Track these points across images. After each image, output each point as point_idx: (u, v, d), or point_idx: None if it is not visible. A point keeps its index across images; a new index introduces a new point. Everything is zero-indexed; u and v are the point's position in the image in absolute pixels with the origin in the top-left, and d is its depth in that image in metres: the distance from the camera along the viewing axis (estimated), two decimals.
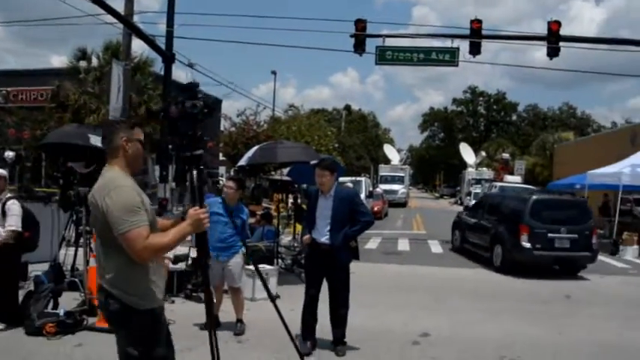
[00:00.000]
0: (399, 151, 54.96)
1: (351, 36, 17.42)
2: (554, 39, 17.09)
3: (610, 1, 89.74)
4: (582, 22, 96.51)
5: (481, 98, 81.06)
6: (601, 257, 16.33)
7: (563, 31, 16.95)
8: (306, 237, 6.02)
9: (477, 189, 30.41)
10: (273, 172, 16.68)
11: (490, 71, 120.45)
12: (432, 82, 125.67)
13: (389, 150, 47.62)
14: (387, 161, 45.79)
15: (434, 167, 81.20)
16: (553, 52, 17.17)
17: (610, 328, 7.59)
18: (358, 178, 23.95)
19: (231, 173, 33.50)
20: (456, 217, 16.46)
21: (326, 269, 5.85)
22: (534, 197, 12.82)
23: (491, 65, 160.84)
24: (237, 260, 6.48)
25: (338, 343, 5.90)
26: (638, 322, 8.08)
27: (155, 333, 3.09)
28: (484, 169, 40.70)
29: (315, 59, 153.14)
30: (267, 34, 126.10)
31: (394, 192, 38.03)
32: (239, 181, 6.76)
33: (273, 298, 4.34)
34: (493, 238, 13.06)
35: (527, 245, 11.81)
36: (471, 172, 38.97)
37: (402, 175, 41.84)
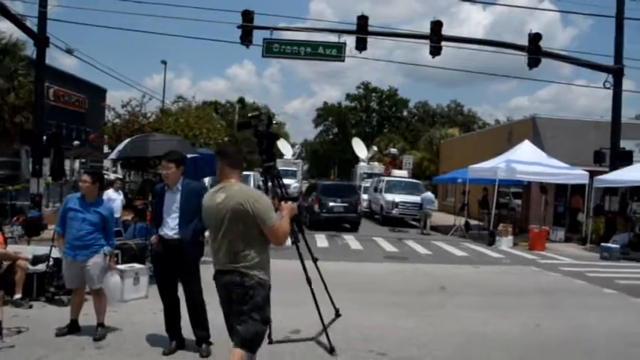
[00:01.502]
0: (293, 145, 55.00)
1: (239, 27, 17.13)
2: (436, 38, 17.67)
3: (495, 7, 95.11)
4: (470, 25, 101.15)
5: (374, 94, 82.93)
6: (478, 248, 17.30)
7: (453, 32, 17.65)
8: (153, 237, 5.81)
9: (368, 183, 30.94)
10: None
11: (385, 68, 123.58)
12: (328, 77, 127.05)
13: (282, 144, 47.48)
14: (281, 155, 45.66)
15: (328, 162, 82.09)
16: (435, 51, 17.76)
17: (479, 318, 7.86)
18: (246, 173, 23.51)
19: (118, 167, 32.17)
20: None
21: (176, 266, 5.62)
22: (321, 183, 23.99)
23: (387, 62, 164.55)
24: (96, 260, 6.04)
25: (201, 343, 5.68)
26: (506, 310, 8.45)
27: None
28: (375, 163, 41.46)
29: (210, 50, 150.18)
30: (159, 21, 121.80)
31: (287, 186, 37.90)
32: (95, 175, 6.31)
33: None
34: (307, 208, 21.11)
35: (318, 210, 20.36)
36: (362, 167, 39.62)
37: (295, 169, 41.84)
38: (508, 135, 25.42)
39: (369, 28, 17.75)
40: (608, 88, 19.24)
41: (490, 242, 18.14)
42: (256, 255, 4.06)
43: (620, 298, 9.99)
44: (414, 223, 24.39)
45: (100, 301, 6.22)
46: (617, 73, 19.10)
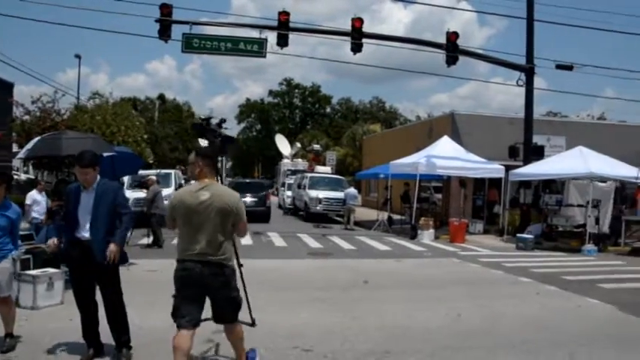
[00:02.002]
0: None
1: (156, 21, 16.63)
2: (357, 35, 17.82)
3: (415, 6, 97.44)
4: (391, 23, 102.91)
5: (297, 90, 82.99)
6: (401, 242, 17.62)
7: (374, 30, 17.87)
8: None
9: (292, 180, 30.93)
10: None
11: (309, 64, 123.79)
12: (251, 73, 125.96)
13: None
14: None
15: (252, 159, 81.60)
16: (357, 48, 17.90)
17: (401, 310, 7.97)
18: (166, 171, 22.85)
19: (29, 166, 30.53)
20: None
21: (93, 269, 5.35)
22: (234, 181, 28.39)
23: (310, 59, 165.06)
24: (4, 266, 5.66)
25: (121, 347, 5.45)
26: (428, 302, 8.62)
27: None
28: (299, 160, 41.53)
29: (129, 44, 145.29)
30: (73, 13, 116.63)
31: None
32: (2, 176, 5.92)
33: None
34: None
35: None
36: (286, 164, 39.55)
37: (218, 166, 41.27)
38: (428, 131, 26.06)
39: (291, 25, 17.67)
40: (521, 86, 20.06)
41: (412, 236, 18.53)
42: (229, 246, 4.74)
43: (534, 286, 10.40)
44: (338, 218, 24.59)
45: (9, 309, 5.84)
46: (528, 71, 19.94)
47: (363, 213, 26.52)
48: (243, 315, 5.16)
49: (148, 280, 9.64)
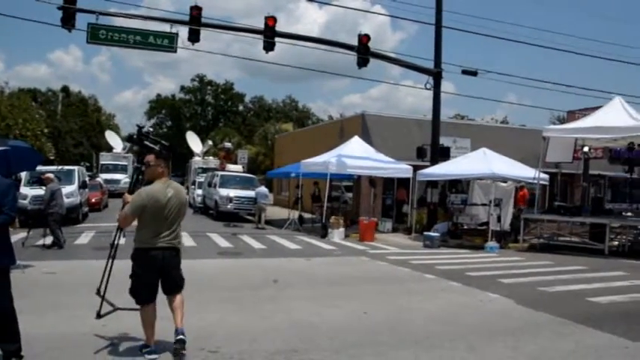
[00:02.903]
0: (124, 138, 52.24)
1: (59, 8, 15.81)
2: (270, 34, 17.73)
3: (330, 7, 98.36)
4: (307, 22, 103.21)
5: (209, 87, 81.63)
6: (311, 240, 17.70)
7: (290, 29, 17.80)
8: None
9: (202, 178, 30.35)
10: None
11: (222, 61, 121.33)
12: (163, 68, 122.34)
13: (111, 137, 44.92)
14: (110, 149, 43.26)
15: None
16: (269, 46, 17.83)
17: (310, 309, 7.99)
18: (68, 168, 21.70)
19: None
20: None
21: None
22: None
23: (224, 56, 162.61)
24: None
25: (10, 357, 5.07)
26: (336, 300, 8.67)
27: None
28: (210, 158, 40.85)
29: (29, 31, 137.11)
30: None
31: (117, 181, 36.19)
32: None
33: None
34: None
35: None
36: (197, 161, 38.77)
37: (125, 163, 39.90)
38: (340, 131, 26.38)
39: (204, 20, 17.34)
40: (429, 89, 20.71)
41: (323, 235, 18.67)
42: (181, 232, 5.83)
43: (439, 282, 10.73)
44: (249, 217, 24.39)
45: None
46: (436, 75, 20.62)
47: (275, 212, 26.47)
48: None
49: (46, 283, 9.14)
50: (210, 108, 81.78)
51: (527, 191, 19.77)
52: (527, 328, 7.31)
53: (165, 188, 5.53)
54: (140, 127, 6.66)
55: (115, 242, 6.18)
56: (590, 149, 19.64)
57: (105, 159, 40.52)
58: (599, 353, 6.33)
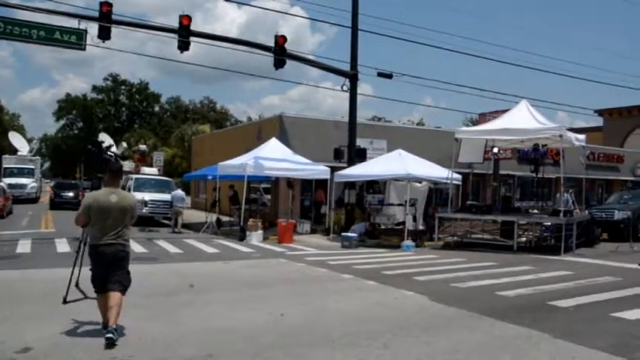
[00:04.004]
0: (30, 140, 49.60)
1: None
2: (185, 33, 17.36)
3: (250, 8, 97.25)
4: (226, 22, 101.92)
5: (123, 87, 79.17)
6: (229, 244, 17.49)
7: (208, 28, 17.52)
8: None
9: None
10: None
11: (137, 60, 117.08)
12: (73, 66, 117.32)
13: (16, 139, 42.66)
14: (15, 151, 41.05)
15: (73, 159, 76.35)
16: (184, 46, 17.46)
17: (226, 312, 7.86)
18: None
19: None
20: None
21: None
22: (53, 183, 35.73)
23: (138, 55, 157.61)
24: None
25: None
26: (253, 303, 8.57)
27: None
28: (125, 161, 39.65)
29: None
30: None
31: (22, 186, 34.45)
32: None
33: None
34: None
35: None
36: None
37: (32, 167, 38.03)
38: (257, 132, 26.22)
39: (115, 17, 16.70)
40: (346, 91, 20.95)
41: (241, 237, 18.47)
42: (128, 232, 6.60)
43: (356, 282, 10.84)
44: (165, 222, 23.79)
45: None
46: (352, 78, 20.89)
47: (193, 215, 25.98)
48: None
49: None
50: (125, 108, 79.42)
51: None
52: (440, 324, 7.50)
53: (109, 194, 6.48)
54: (100, 143, 7.07)
55: (82, 240, 6.72)
56: (499, 150, 20.52)
57: (9, 162, 38.31)
58: (505, 344, 6.57)
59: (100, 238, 6.33)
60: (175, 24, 17.46)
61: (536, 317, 7.87)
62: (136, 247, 16.02)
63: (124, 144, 45.89)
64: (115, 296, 6.27)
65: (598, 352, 6.26)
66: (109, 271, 6.37)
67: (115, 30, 16.57)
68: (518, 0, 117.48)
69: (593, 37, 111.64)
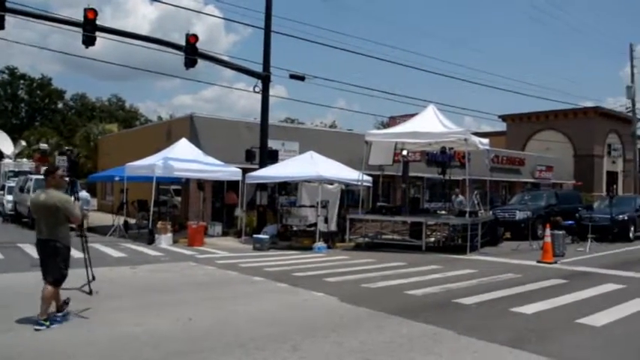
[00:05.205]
0: None
1: None
2: (89, 27, 16.63)
3: (161, 5, 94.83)
4: (137, 17, 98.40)
5: (22, 81, 74.56)
6: (138, 247, 16.97)
7: (117, 23, 16.89)
8: None
9: (14, 182, 27.65)
10: None
11: (38, 54, 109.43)
12: None
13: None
14: None
15: None
16: (89, 41, 16.69)
17: (131, 319, 7.58)
18: None
19: None
20: None
21: None
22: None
23: (40, 48, 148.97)
24: None
25: None
26: (160, 308, 8.36)
27: None
28: (24, 160, 37.56)
29: None
30: None
31: None
32: None
33: None
34: None
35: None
36: (8, 164, 35.31)
37: None
38: (167, 132, 25.60)
39: (10, 5, 15.67)
40: (258, 93, 20.85)
41: (150, 241, 17.95)
42: (61, 229, 7.27)
43: (267, 284, 10.80)
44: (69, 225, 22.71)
45: None
46: (264, 79, 20.81)
47: (99, 218, 25.00)
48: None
49: None
50: (24, 105, 74.75)
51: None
52: (349, 324, 7.59)
53: (40, 193, 7.32)
54: (72, 150, 6.92)
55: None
56: (408, 153, 21.11)
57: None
58: (412, 341, 6.75)
59: (38, 233, 7.28)
60: (77, 17, 16.69)
61: (442, 315, 8.15)
62: (35, 252, 15.14)
63: (23, 142, 43.52)
64: (45, 289, 7.03)
65: (498, 346, 6.56)
66: (42, 265, 7.25)
67: (12, 19, 15.60)
68: (430, 8, 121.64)
69: (501, 44, 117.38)
